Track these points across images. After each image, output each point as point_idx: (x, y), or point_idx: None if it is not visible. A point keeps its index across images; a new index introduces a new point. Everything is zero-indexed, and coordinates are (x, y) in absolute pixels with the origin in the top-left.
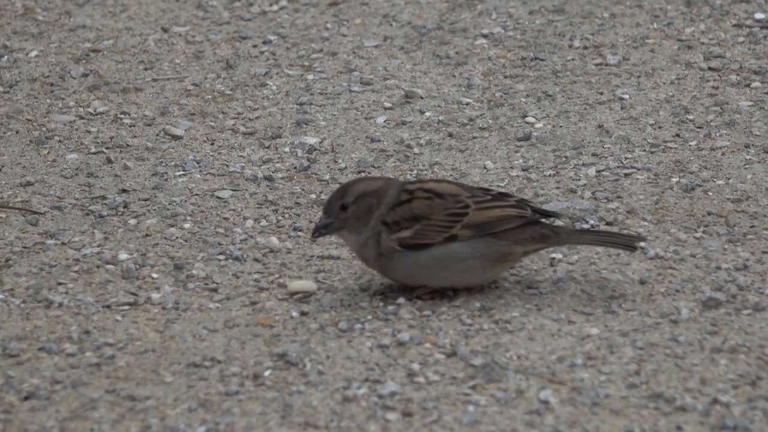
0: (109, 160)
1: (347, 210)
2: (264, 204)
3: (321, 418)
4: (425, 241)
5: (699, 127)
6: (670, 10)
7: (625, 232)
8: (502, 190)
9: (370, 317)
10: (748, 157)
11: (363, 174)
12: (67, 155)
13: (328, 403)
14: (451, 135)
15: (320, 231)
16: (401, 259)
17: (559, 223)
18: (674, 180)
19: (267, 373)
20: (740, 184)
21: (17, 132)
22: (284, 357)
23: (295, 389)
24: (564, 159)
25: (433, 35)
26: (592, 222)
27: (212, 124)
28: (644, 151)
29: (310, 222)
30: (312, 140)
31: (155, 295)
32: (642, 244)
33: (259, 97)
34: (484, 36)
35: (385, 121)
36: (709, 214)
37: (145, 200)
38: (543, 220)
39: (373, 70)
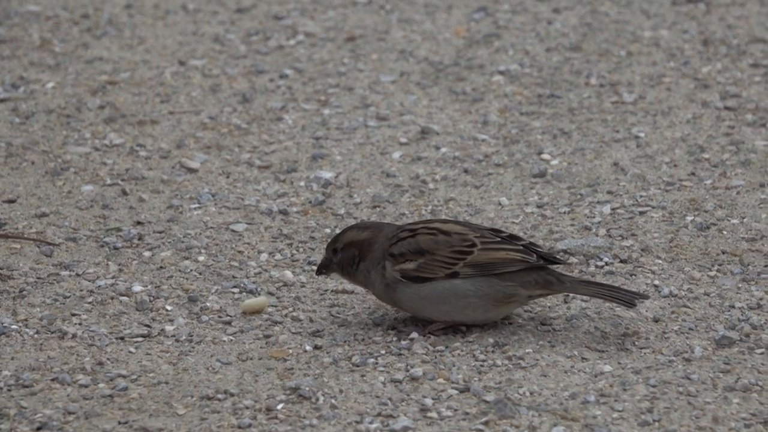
0: (125, 192)
1: (337, 255)
2: (279, 238)
3: None
4: (427, 275)
5: (714, 166)
6: (686, 49)
7: (627, 287)
8: (513, 233)
9: (383, 352)
10: (762, 196)
11: (362, 220)
12: (82, 187)
13: None
14: (466, 171)
15: (321, 270)
16: (405, 289)
17: (573, 264)
18: (689, 218)
19: (280, 406)
20: (755, 223)
21: (33, 163)
22: (297, 390)
23: (308, 423)
24: (579, 196)
25: (450, 71)
26: (606, 259)
27: (228, 157)
28: (659, 189)
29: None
30: (327, 175)
31: (169, 327)
32: (643, 301)
33: (275, 131)
34: (501, 73)
35: (400, 157)
36: (723, 252)
37: (160, 233)
38: (550, 266)
39: (390, 105)
